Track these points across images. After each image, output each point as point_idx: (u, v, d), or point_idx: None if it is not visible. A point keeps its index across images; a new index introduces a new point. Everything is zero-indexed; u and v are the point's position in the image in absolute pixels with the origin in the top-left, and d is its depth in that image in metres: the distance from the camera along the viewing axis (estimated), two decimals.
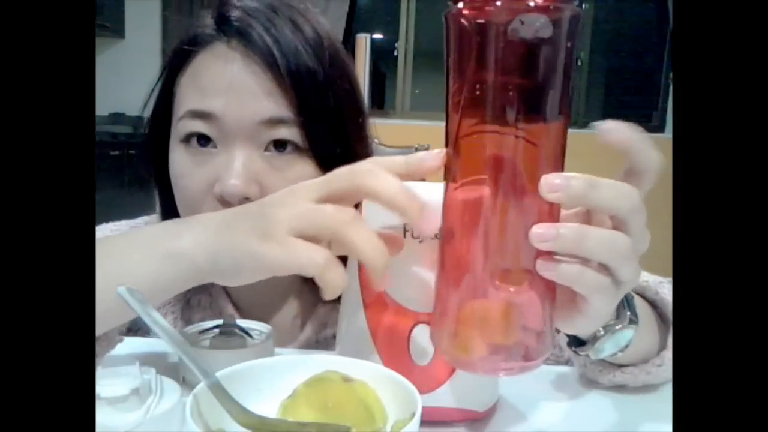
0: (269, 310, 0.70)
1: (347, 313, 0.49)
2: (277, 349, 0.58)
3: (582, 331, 0.48)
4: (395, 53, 3.70)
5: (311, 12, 0.63)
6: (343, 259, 0.42)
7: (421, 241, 0.44)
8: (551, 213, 0.36)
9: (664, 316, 0.56)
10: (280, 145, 0.59)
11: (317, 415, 0.39)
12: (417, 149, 1.65)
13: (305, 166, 0.60)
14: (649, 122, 3.54)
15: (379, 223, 0.43)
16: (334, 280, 0.39)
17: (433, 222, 0.39)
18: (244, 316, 0.67)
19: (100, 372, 0.43)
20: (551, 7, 0.33)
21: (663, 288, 0.56)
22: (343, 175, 0.40)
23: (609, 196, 0.36)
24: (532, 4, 0.32)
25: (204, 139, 0.59)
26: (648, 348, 0.54)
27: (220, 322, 0.56)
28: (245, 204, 0.45)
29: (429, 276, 0.41)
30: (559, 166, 0.35)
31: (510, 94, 0.34)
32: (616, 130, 0.36)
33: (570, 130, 0.36)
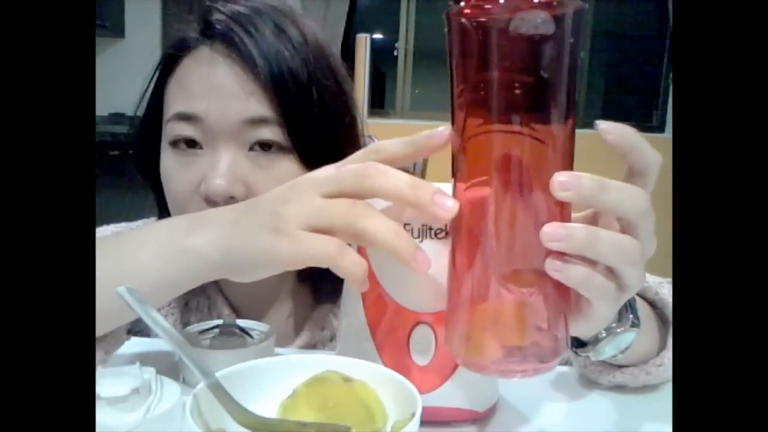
0: (266, 313, 0.70)
1: (347, 313, 0.49)
2: (277, 349, 0.58)
3: (583, 333, 0.48)
4: (395, 53, 3.70)
5: (296, 15, 0.64)
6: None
7: (421, 241, 0.44)
8: (562, 214, 0.35)
9: (664, 317, 0.56)
10: (264, 145, 0.60)
11: (317, 415, 0.39)
12: None
13: (290, 164, 0.60)
14: (649, 122, 3.55)
15: None
16: (352, 266, 0.39)
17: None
18: (240, 318, 0.67)
19: (100, 372, 0.43)
20: (553, 3, 0.32)
21: (663, 288, 0.57)
22: (352, 174, 0.40)
23: (620, 198, 0.35)
24: (535, 0, 0.32)
25: (191, 142, 0.61)
26: (648, 349, 0.54)
27: (219, 322, 0.56)
28: (251, 200, 0.45)
29: (429, 276, 0.41)
30: (568, 164, 0.35)
31: (514, 93, 0.33)
32: (615, 132, 0.36)
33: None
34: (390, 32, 3.73)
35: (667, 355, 0.53)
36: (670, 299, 0.56)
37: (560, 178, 0.34)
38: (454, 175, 0.38)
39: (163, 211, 0.68)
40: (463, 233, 0.37)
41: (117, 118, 3.06)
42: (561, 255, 0.35)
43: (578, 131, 0.36)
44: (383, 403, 0.40)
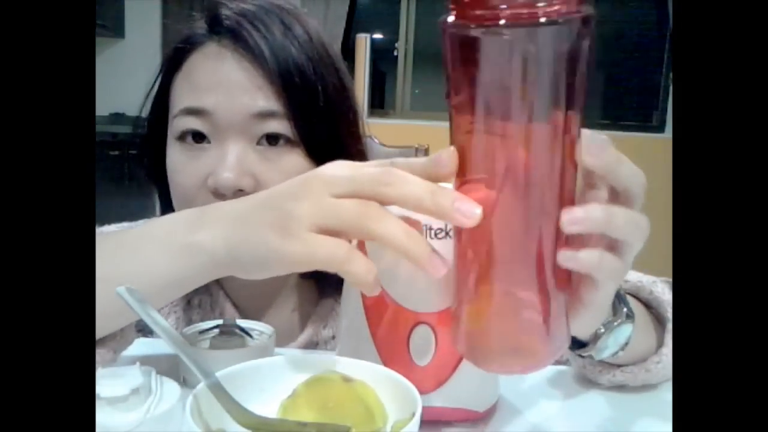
0: (269, 310, 0.70)
1: (347, 313, 0.49)
2: (277, 349, 0.58)
3: (583, 328, 0.47)
4: (395, 53, 3.70)
5: (301, 13, 0.66)
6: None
7: None
8: (558, 211, 0.35)
9: (660, 315, 0.57)
10: (272, 138, 0.61)
11: (317, 415, 0.39)
12: (417, 149, 1.65)
13: (297, 158, 0.61)
14: (649, 122, 3.55)
15: None
16: (360, 272, 0.38)
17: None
18: (243, 316, 0.67)
19: (100, 372, 0.43)
20: (538, 16, 0.32)
21: (656, 287, 0.57)
22: (370, 179, 0.38)
23: (625, 223, 0.36)
24: (525, 10, 0.32)
25: (198, 136, 0.61)
26: (646, 347, 0.54)
27: (220, 322, 0.56)
28: (259, 195, 0.44)
29: (430, 276, 0.41)
30: (557, 166, 0.35)
31: (500, 99, 0.34)
32: (591, 153, 0.35)
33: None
34: (390, 32, 3.73)
35: (666, 352, 0.54)
36: (665, 297, 0.56)
37: (566, 216, 0.34)
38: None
39: (167, 210, 0.69)
40: (460, 232, 0.37)
41: (117, 118, 3.06)
42: (570, 246, 0.35)
43: None
44: (383, 403, 0.40)
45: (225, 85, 0.60)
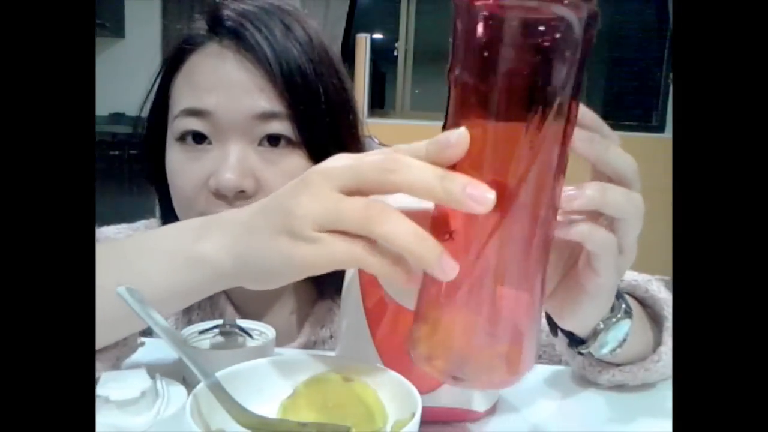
0: (268, 310, 0.70)
1: (347, 314, 0.49)
2: (277, 349, 0.58)
3: (585, 319, 0.47)
4: (395, 53, 3.70)
5: (302, 15, 0.66)
6: None
7: None
8: (542, 216, 0.35)
9: (655, 314, 0.57)
10: (273, 139, 0.61)
11: (317, 415, 0.39)
12: None
13: (299, 159, 0.61)
14: (649, 122, 3.55)
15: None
16: (385, 264, 0.35)
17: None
18: (241, 315, 0.67)
19: (107, 376, 0.43)
20: (547, 8, 0.32)
21: (651, 285, 0.58)
22: (374, 167, 0.36)
23: (616, 199, 0.37)
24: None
25: (199, 137, 0.61)
26: (644, 346, 0.55)
27: (219, 322, 0.56)
28: (260, 201, 0.42)
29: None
30: (558, 159, 0.35)
31: (492, 88, 0.33)
32: (581, 139, 0.35)
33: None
34: (390, 32, 3.73)
35: (664, 351, 0.54)
36: (660, 295, 0.57)
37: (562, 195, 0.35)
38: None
39: (166, 212, 0.69)
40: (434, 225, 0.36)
41: (117, 118, 3.06)
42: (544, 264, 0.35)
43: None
44: (383, 403, 0.40)
45: (226, 86, 0.60)
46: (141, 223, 0.77)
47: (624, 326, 0.50)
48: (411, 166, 0.34)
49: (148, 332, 0.63)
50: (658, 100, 3.54)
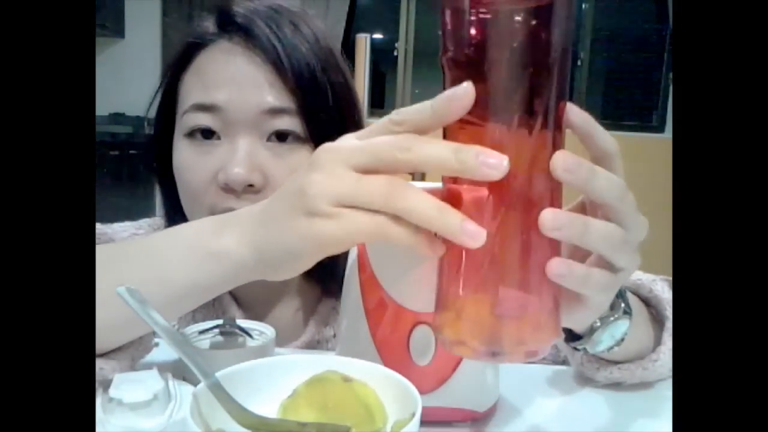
0: (271, 309, 0.70)
1: (347, 313, 0.49)
2: (277, 349, 0.58)
3: (580, 322, 0.48)
4: (395, 53, 3.70)
5: (308, 15, 0.67)
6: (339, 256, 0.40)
7: None
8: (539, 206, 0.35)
9: (659, 314, 0.57)
10: (281, 135, 0.62)
11: (317, 415, 0.39)
12: None
13: (306, 155, 0.62)
14: (649, 122, 3.55)
15: None
16: (410, 233, 0.35)
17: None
18: (246, 314, 0.67)
19: (119, 377, 0.43)
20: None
21: (656, 285, 0.58)
22: (389, 147, 0.36)
23: (601, 184, 0.35)
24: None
25: (208, 133, 0.62)
26: (643, 344, 0.55)
27: (219, 322, 0.56)
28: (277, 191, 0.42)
29: (430, 276, 0.41)
30: (540, 160, 0.35)
31: (483, 88, 0.34)
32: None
33: (568, 130, 0.36)
34: (390, 32, 3.73)
35: (663, 351, 0.54)
36: (664, 295, 0.57)
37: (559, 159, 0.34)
38: None
39: (171, 209, 0.69)
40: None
41: (117, 118, 3.06)
42: (556, 260, 0.35)
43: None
44: (383, 403, 0.40)
45: (236, 81, 0.61)
46: (144, 221, 0.77)
47: (622, 326, 0.50)
48: (424, 141, 0.35)
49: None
50: (658, 100, 3.55)
